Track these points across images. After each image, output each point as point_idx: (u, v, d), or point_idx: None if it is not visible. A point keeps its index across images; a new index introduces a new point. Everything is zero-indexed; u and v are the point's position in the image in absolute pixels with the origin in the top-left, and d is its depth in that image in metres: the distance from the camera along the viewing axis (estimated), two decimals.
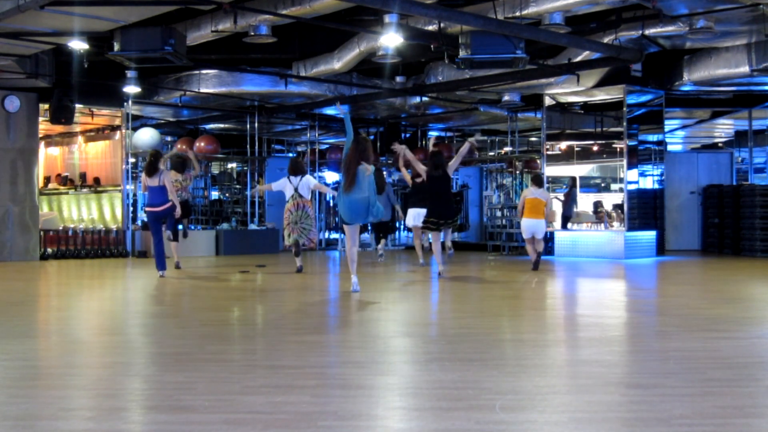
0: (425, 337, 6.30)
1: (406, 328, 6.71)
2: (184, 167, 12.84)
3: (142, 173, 11.02)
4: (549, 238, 15.64)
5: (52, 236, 15.47)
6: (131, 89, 14.70)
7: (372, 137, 20.78)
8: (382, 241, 14.13)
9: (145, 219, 12.60)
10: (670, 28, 11.58)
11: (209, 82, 14.90)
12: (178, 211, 11.23)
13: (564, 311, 8.01)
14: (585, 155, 15.70)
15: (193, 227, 16.57)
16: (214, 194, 21.56)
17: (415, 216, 12.43)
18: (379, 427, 3.64)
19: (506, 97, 15.89)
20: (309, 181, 11.22)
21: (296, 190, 11.02)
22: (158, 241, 10.95)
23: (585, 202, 16.09)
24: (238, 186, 21.15)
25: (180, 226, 12.69)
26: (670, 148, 20.02)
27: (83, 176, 17.72)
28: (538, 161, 18.06)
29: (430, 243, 11.76)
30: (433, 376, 4.71)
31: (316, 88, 15.20)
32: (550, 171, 15.89)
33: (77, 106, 14.59)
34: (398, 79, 15.40)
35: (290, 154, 22.29)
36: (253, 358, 5.32)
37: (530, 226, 11.98)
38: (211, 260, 14.84)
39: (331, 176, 20.86)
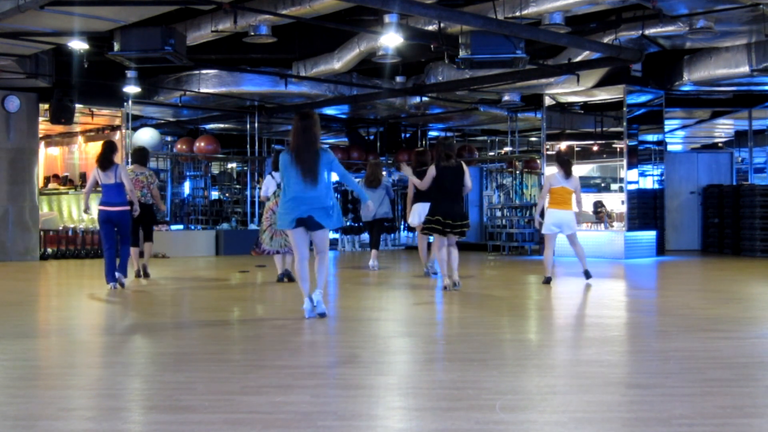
0: (425, 337, 6.29)
1: (406, 328, 6.71)
2: (146, 159, 11.02)
3: (95, 167, 9.29)
4: None
5: (52, 236, 15.45)
6: (131, 89, 14.69)
7: (372, 137, 20.82)
8: (374, 251, 12.25)
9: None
10: (670, 28, 11.58)
11: (209, 82, 14.91)
12: (136, 208, 9.65)
13: (564, 311, 8.00)
14: (585, 155, 15.70)
15: (193, 227, 16.55)
16: (214, 194, 21.57)
17: (421, 212, 10.45)
18: (379, 427, 3.64)
19: (506, 97, 15.90)
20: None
21: (279, 186, 9.56)
22: (109, 246, 9.25)
23: (585, 202, 16.07)
24: (238, 186, 21.16)
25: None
26: (670, 148, 20.03)
27: (83, 176, 17.71)
28: (538, 161, 18.07)
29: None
30: (433, 376, 4.71)
31: (316, 88, 15.21)
32: (550, 171, 15.87)
33: (77, 106, 14.58)
34: (398, 79, 15.40)
35: None
36: (253, 358, 5.32)
37: (558, 218, 9.67)
38: (211, 260, 14.84)
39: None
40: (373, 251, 12.25)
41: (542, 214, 10.01)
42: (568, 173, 9.78)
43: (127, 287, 9.39)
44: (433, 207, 9.06)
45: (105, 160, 9.22)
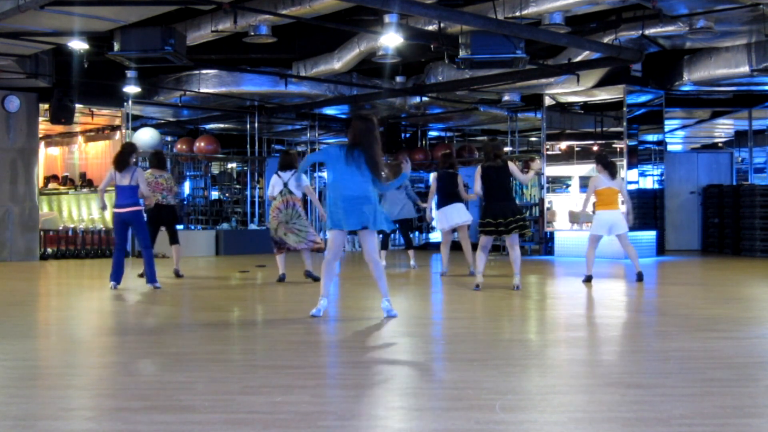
0: (425, 337, 6.29)
1: (406, 328, 6.70)
2: (164, 163, 11.21)
3: (111, 168, 9.23)
4: (549, 238, 15.65)
5: (52, 236, 15.47)
6: (131, 89, 14.70)
7: None
8: (411, 251, 12.63)
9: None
10: (670, 28, 11.58)
11: (209, 82, 14.91)
12: (150, 203, 9.80)
13: (564, 311, 8.00)
14: (585, 155, 15.68)
15: (193, 227, 16.56)
16: (214, 194, 21.56)
17: (449, 215, 10.83)
18: (379, 427, 3.64)
19: (506, 97, 15.91)
20: (301, 177, 9.83)
21: (285, 185, 9.75)
22: (119, 249, 9.34)
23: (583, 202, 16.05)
24: (238, 186, 21.15)
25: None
26: (670, 148, 20.02)
27: (83, 176, 17.72)
28: (538, 161, 18.05)
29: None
30: (433, 376, 4.71)
31: (316, 88, 15.22)
32: (550, 171, 15.89)
33: (77, 106, 14.59)
34: (398, 79, 15.41)
35: None
36: (253, 358, 5.32)
37: (607, 218, 9.78)
38: (211, 260, 14.84)
39: None
40: (410, 252, 12.67)
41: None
42: (613, 174, 9.88)
43: (126, 288, 9.38)
44: (484, 209, 9.28)
45: (123, 161, 9.12)
